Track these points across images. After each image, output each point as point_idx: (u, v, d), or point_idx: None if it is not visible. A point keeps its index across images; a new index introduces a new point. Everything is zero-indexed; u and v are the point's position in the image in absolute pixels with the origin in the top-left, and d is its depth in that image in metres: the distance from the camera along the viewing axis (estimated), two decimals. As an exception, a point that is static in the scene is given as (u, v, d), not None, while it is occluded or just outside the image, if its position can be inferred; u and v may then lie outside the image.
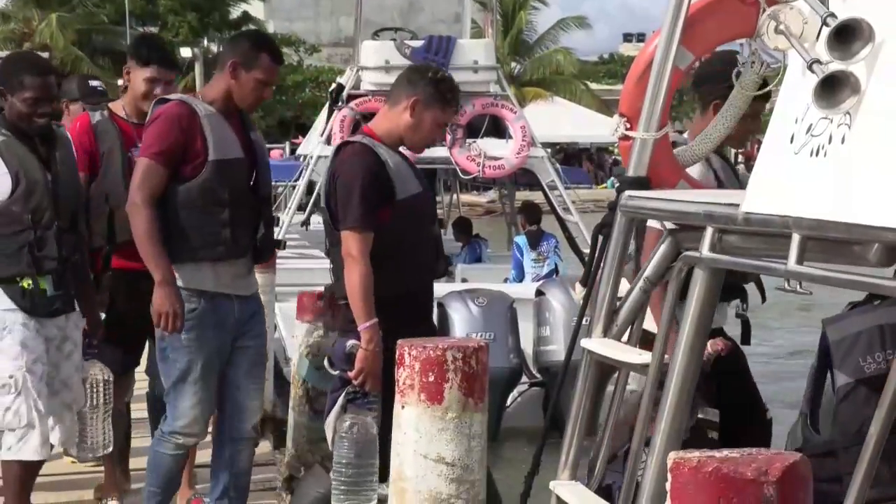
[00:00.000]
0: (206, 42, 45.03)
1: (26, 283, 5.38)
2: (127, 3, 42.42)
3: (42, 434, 5.40)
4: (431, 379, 3.84)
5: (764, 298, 5.56)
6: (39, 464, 5.54)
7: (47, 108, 5.47)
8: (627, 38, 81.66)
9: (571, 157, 50.99)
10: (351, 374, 5.01)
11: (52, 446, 5.55)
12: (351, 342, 5.03)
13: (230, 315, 5.35)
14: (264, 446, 7.50)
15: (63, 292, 5.46)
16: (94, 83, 6.93)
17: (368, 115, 12.76)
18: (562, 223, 13.06)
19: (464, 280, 12.94)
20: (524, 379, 10.83)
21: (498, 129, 12.95)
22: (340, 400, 5.05)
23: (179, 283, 5.22)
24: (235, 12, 49.49)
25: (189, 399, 5.28)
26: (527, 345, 10.66)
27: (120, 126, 6.00)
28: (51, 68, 5.59)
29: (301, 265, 13.67)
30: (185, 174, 5.23)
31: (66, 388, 5.53)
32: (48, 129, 5.47)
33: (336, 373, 5.13)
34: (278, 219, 11.03)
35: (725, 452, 2.47)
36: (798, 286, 3.03)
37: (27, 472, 5.51)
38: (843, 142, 2.92)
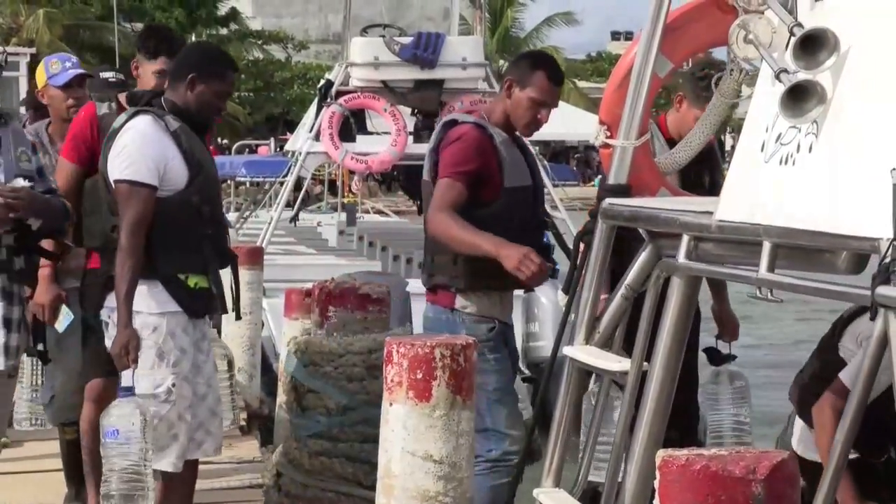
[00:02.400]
0: (193, 38, 44.86)
1: (193, 281, 5.04)
2: (115, -1, 42.29)
3: (181, 447, 5.06)
4: (419, 376, 3.87)
5: None
6: (193, 471, 5.25)
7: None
8: (615, 35, 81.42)
9: (559, 155, 50.92)
10: None
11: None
12: None
13: (510, 340, 5.44)
14: (251, 444, 7.55)
15: (218, 290, 5.14)
16: (105, 74, 6.47)
17: (357, 112, 12.83)
18: (549, 220, 13.11)
19: (451, 277, 12.96)
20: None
21: (486, 126, 12.97)
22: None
23: (473, 309, 5.24)
24: (223, 8, 49.29)
25: (508, 418, 5.21)
26: (516, 341, 10.70)
27: None
28: None
29: (289, 261, 13.73)
30: (483, 199, 5.19)
31: (211, 389, 5.18)
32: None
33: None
34: None
35: (714, 450, 2.51)
36: (769, 294, 3.10)
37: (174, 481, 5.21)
38: (810, 151, 2.98)
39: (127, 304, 4.86)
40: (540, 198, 5.55)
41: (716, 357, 5.35)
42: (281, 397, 6.71)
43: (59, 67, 6.37)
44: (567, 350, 4.10)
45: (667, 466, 2.49)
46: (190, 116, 5.08)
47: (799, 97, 2.98)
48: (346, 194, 21.15)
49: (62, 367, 5.81)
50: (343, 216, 18.42)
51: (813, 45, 2.99)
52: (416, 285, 11.31)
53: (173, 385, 4.98)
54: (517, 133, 5.39)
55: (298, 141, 13.24)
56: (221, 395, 5.73)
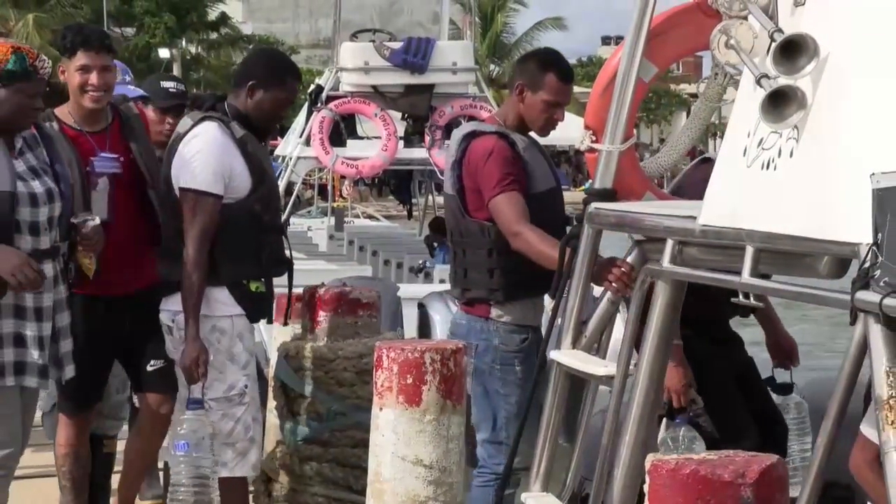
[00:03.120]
0: (183, 43, 44.84)
1: (254, 286, 5.06)
2: (105, 4, 42.19)
3: (259, 448, 5.11)
4: (410, 381, 3.89)
5: None
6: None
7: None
8: (605, 40, 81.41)
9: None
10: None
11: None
12: None
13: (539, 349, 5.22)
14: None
15: (271, 296, 5.19)
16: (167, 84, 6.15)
17: (347, 117, 12.83)
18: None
19: (442, 281, 12.99)
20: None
21: (476, 131, 12.98)
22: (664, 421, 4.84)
23: (508, 318, 5.09)
24: (213, 13, 49.23)
25: (516, 434, 4.93)
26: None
27: (70, 136, 5.18)
28: None
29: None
30: None
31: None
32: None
33: None
34: None
35: (703, 454, 2.53)
36: (751, 297, 3.11)
37: (245, 490, 5.24)
38: (791, 155, 2.99)
39: (195, 315, 4.88)
40: (561, 196, 5.48)
41: (778, 388, 5.18)
42: (271, 402, 6.69)
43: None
44: (553, 354, 4.11)
45: (656, 471, 2.49)
46: (251, 123, 5.08)
47: (779, 102, 3.00)
48: (336, 199, 21.15)
49: None
50: (332, 221, 18.41)
51: (793, 50, 3.00)
52: (406, 290, 11.36)
53: (246, 386, 5.03)
54: (531, 134, 5.34)
55: (289, 146, 13.22)
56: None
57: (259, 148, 5.14)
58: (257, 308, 5.12)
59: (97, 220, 4.80)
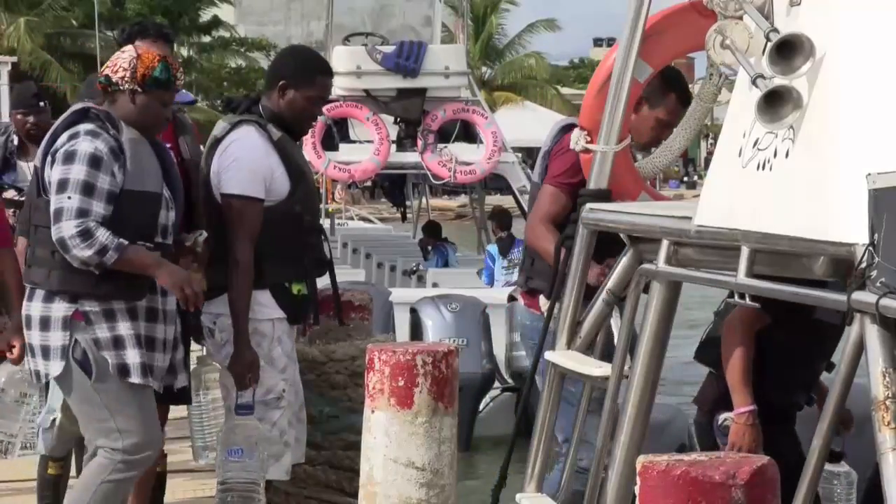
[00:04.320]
0: (175, 46, 44.78)
1: (297, 288, 5.04)
2: (97, 7, 42.19)
3: (293, 452, 5.07)
4: (401, 384, 3.88)
5: None
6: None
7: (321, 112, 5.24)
8: (598, 42, 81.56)
9: (543, 161, 50.89)
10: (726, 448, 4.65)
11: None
12: (724, 416, 4.73)
13: None
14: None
15: (314, 297, 5.20)
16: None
17: (340, 121, 12.83)
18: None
19: (434, 285, 13.00)
20: (497, 384, 10.89)
21: (469, 134, 13.01)
22: None
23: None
24: (205, 16, 49.20)
25: (597, 429, 4.98)
26: (499, 350, 10.73)
27: None
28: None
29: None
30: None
31: (298, 395, 5.17)
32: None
33: None
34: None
35: (694, 456, 2.52)
36: (746, 298, 3.10)
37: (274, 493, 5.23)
38: (787, 156, 2.98)
39: (245, 320, 4.87)
40: None
41: (830, 455, 5.17)
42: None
43: None
44: (548, 355, 4.10)
45: (647, 472, 2.48)
46: (285, 123, 5.07)
47: (775, 103, 2.99)
48: (328, 202, 21.14)
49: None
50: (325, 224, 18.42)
51: (789, 50, 3.00)
52: (398, 295, 11.36)
53: (284, 391, 5.01)
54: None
55: (281, 149, 13.21)
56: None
57: (296, 149, 5.14)
58: (299, 310, 5.10)
59: (205, 234, 4.86)
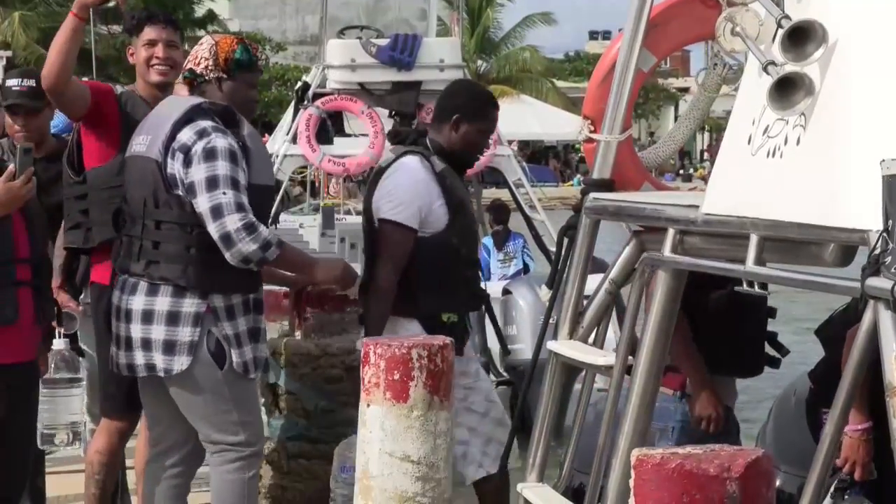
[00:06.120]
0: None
1: (446, 316, 5.08)
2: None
3: (483, 458, 5.18)
4: (397, 377, 3.85)
5: None
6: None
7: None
8: (593, 35, 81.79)
9: (538, 155, 51.03)
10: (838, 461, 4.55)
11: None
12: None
13: None
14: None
15: (465, 326, 5.24)
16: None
17: (334, 114, 12.79)
18: (528, 221, 13.11)
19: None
20: (491, 378, 10.85)
21: (464, 127, 12.97)
22: (831, 489, 4.61)
23: None
24: (200, 11, 49.24)
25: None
26: (493, 343, 10.70)
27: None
28: None
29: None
30: None
31: (493, 403, 5.30)
32: None
33: None
34: None
35: (689, 449, 2.47)
36: (755, 286, 3.07)
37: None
38: (798, 143, 2.96)
39: (378, 333, 4.90)
40: None
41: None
42: (259, 399, 6.68)
43: None
44: (551, 345, 4.09)
45: (641, 465, 2.47)
46: (453, 156, 5.15)
47: (787, 89, 2.98)
48: (324, 196, 21.16)
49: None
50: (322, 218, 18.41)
51: (801, 37, 2.98)
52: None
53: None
54: None
55: (276, 143, 13.19)
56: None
57: (458, 182, 5.22)
58: (439, 332, 5.05)
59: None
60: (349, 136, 12.96)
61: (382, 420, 3.86)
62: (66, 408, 5.10)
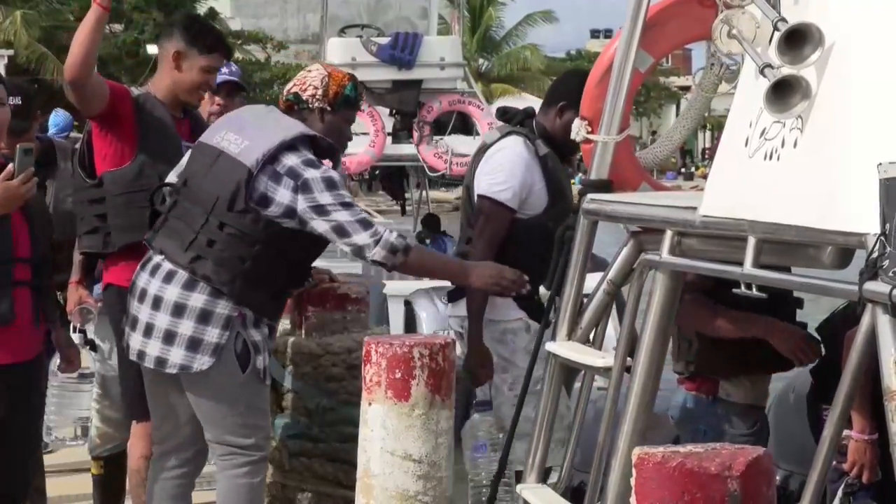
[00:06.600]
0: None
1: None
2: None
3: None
4: (398, 376, 3.87)
5: None
6: None
7: None
8: (594, 34, 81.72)
9: (539, 153, 50.96)
10: (845, 465, 4.61)
11: None
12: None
13: None
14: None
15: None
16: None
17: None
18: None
19: (432, 278, 12.96)
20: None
21: (465, 126, 12.97)
22: (839, 493, 4.69)
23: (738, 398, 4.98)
24: (201, 9, 49.18)
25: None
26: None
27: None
28: None
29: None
30: None
31: None
32: None
33: None
34: None
35: (690, 447, 2.49)
36: (753, 288, 3.08)
37: None
38: (795, 146, 2.96)
39: (479, 319, 5.08)
40: None
41: None
42: (269, 405, 6.67)
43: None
44: (549, 346, 4.09)
45: (643, 464, 2.48)
46: (555, 141, 5.22)
47: (783, 92, 2.98)
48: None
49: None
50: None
51: (797, 39, 2.98)
52: (392, 287, 11.32)
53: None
54: None
55: (277, 141, 13.19)
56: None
57: (560, 167, 5.29)
58: (537, 313, 5.13)
59: None
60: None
61: (384, 419, 3.88)
62: (75, 403, 5.13)
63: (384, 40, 12.57)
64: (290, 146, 4.51)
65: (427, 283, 11.76)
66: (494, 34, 52.62)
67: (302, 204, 4.46)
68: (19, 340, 4.55)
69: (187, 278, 4.52)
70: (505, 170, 5.18)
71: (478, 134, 12.78)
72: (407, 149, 12.60)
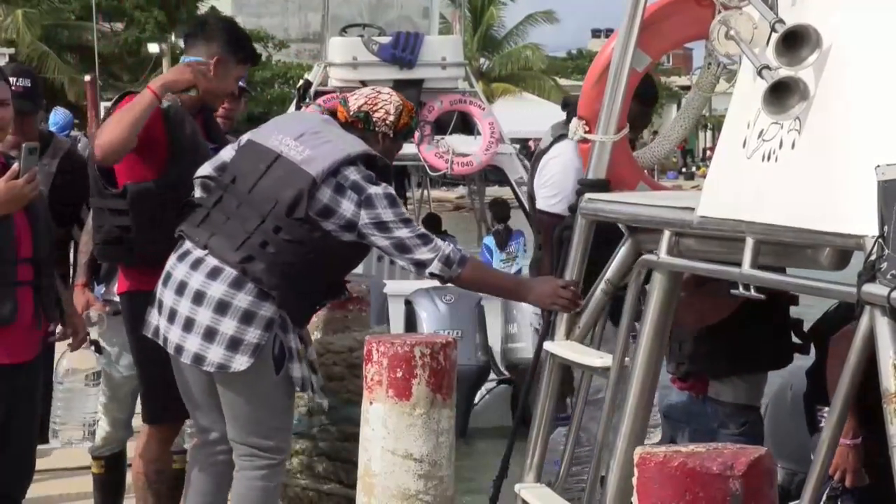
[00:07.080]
0: (173, 38, 44.73)
1: None
2: (94, -1, 42.17)
3: None
4: (399, 375, 3.86)
5: None
6: None
7: None
8: (596, 33, 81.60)
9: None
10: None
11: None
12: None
13: None
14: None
15: None
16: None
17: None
18: (529, 219, 13.11)
19: (431, 276, 12.95)
20: (492, 376, 10.87)
21: (466, 125, 12.97)
22: (823, 497, 4.61)
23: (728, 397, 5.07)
24: (203, 8, 49.16)
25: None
26: (494, 342, 10.71)
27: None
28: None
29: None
30: None
31: None
32: None
33: None
34: None
35: (692, 447, 2.49)
36: (751, 289, 3.08)
37: None
38: (793, 147, 2.96)
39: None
40: None
41: None
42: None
43: None
44: (548, 345, 4.09)
45: (644, 463, 2.47)
46: None
47: (781, 93, 2.97)
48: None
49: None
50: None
51: (795, 41, 2.98)
52: (393, 287, 11.33)
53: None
54: None
55: (278, 140, 13.18)
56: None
57: None
58: None
59: None
60: (351, 133, 12.91)
61: (385, 418, 3.87)
62: (82, 405, 5.12)
63: (385, 40, 12.56)
64: (352, 161, 4.55)
65: (427, 282, 11.77)
66: (495, 33, 52.52)
67: (364, 219, 4.50)
68: (19, 341, 4.54)
69: (235, 276, 4.49)
70: (556, 182, 5.59)
71: (479, 133, 12.79)
72: (408, 148, 12.58)
